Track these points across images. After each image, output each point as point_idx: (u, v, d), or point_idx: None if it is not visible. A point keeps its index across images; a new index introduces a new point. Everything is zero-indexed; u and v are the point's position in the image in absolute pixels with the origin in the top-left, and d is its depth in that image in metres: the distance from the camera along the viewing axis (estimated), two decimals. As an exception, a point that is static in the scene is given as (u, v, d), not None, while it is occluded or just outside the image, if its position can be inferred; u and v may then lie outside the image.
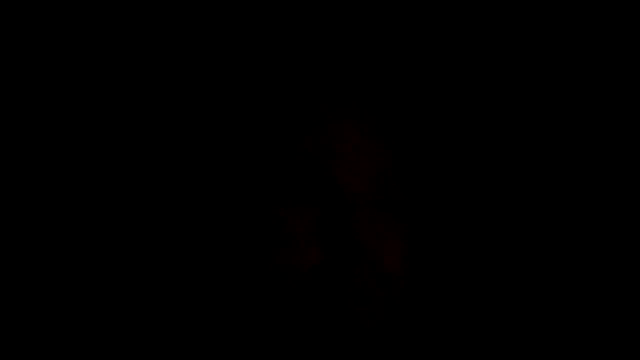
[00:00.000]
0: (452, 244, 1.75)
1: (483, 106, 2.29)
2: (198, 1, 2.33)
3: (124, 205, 2.11)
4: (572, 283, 2.19)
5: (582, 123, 2.44)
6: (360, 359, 1.16)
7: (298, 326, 1.05)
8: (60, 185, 2.27)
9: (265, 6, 2.16)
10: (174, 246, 1.82)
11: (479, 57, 2.41)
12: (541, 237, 2.18)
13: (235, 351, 1.26)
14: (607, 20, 2.52)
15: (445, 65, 2.31)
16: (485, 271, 1.90)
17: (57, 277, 2.23)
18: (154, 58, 2.30)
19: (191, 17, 2.34)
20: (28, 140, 2.31)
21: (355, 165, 1.11)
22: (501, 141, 2.26)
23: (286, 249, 1.07)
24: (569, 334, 2.01)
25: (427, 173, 1.36)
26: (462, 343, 1.38)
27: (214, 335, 1.34)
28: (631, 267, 2.29)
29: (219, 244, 1.40)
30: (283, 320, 1.07)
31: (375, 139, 1.14)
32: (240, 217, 1.35)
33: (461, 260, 1.79)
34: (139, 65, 2.34)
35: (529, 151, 2.30)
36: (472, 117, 2.22)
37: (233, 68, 2.03)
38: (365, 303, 1.06)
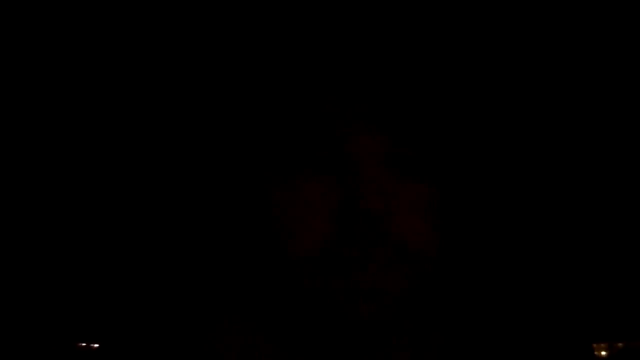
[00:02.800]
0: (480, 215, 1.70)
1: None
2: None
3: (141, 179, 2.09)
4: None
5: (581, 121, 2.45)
6: (378, 337, 1.12)
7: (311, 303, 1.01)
8: (59, 185, 2.26)
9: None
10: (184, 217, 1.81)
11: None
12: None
13: (246, 319, 1.22)
14: (607, 20, 2.54)
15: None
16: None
17: (58, 277, 2.21)
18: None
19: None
20: (28, 141, 2.29)
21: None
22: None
23: (302, 221, 0.99)
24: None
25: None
26: (488, 322, 1.34)
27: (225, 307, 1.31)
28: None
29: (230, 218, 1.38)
30: (296, 296, 1.03)
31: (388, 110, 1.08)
32: (255, 188, 1.30)
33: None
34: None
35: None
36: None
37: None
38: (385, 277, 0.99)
